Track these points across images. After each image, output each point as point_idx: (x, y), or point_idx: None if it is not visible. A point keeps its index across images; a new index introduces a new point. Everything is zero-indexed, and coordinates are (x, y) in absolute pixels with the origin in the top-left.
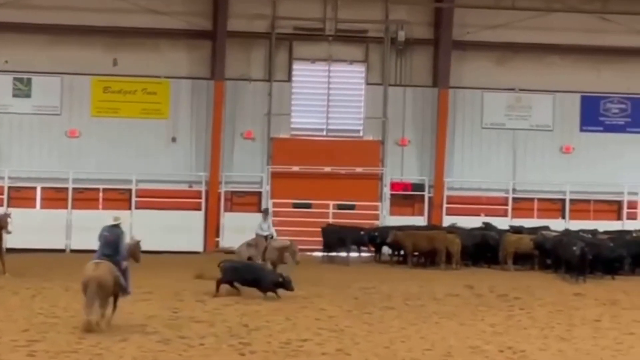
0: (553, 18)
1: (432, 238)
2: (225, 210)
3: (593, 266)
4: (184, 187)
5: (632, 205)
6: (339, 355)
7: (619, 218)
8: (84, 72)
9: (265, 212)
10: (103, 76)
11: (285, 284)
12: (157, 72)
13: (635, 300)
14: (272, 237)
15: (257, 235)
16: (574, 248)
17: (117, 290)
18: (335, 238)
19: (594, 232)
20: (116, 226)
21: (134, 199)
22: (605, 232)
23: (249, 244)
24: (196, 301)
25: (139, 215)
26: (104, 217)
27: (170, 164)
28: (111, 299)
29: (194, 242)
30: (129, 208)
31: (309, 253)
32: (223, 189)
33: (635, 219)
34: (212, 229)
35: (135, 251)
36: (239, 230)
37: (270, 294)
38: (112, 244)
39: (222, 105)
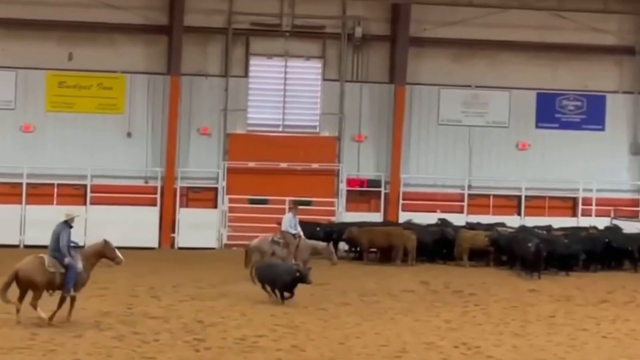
0: (509, 15)
1: (388, 234)
2: (181, 206)
3: (548, 263)
4: (140, 182)
5: (586, 201)
6: (294, 352)
7: (574, 215)
8: (38, 67)
9: (295, 208)
10: (58, 71)
11: (303, 277)
12: (113, 67)
13: (589, 297)
14: (300, 236)
15: (286, 233)
16: (529, 245)
17: (52, 285)
18: None
19: (548, 229)
20: (65, 222)
21: (89, 194)
22: (562, 229)
23: (274, 241)
24: (151, 297)
25: (94, 211)
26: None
27: (125, 159)
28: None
29: (149, 238)
30: (84, 204)
31: None
32: (179, 184)
33: (590, 215)
34: (167, 224)
35: (103, 252)
36: (194, 226)
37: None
38: (53, 240)
39: (178, 100)
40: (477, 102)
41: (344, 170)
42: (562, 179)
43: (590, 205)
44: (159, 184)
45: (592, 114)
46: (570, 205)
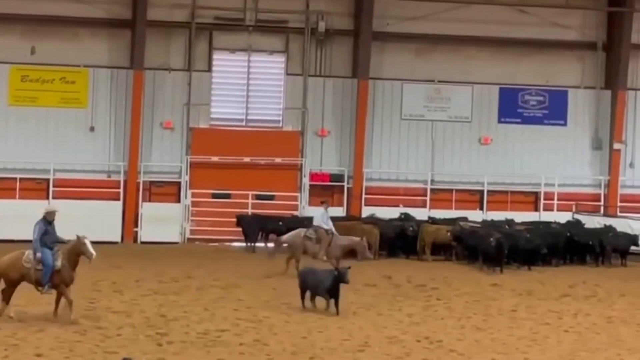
0: (472, 10)
1: (349, 229)
2: (144, 200)
3: (510, 257)
4: (103, 177)
5: (548, 196)
6: (257, 346)
7: (536, 209)
8: (1, 61)
9: (326, 204)
10: (21, 65)
11: (342, 276)
12: (76, 61)
13: (550, 291)
14: (332, 232)
15: (318, 228)
16: (490, 239)
17: (29, 280)
18: (253, 227)
19: (510, 223)
20: (43, 217)
21: (51, 188)
22: (524, 223)
23: (307, 237)
24: (113, 292)
25: (56, 205)
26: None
27: (88, 153)
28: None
29: (112, 232)
30: (47, 198)
31: (227, 244)
32: (142, 178)
33: (552, 210)
34: (130, 219)
35: (77, 248)
36: (157, 220)
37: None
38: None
39: (141, 94)
40: (440, 97)
41: (306, 165)
42: (524, 173)
43: (552, 199)
44: (121, 178)
45: (554, 109)
46: (532, 199)
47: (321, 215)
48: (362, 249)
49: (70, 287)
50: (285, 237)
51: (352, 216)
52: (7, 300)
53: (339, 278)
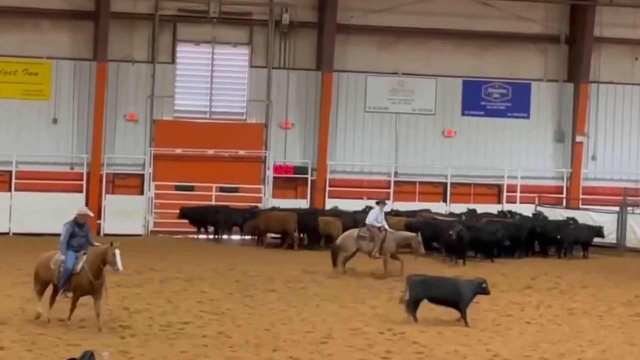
0: (436, 3)
1: (282, 219)
2: (107, 192)
3: (472, 249)
4: (65, 169)
5: (511, 188)
6: (220, 338)
7: (499, 201)
8: None
9: (383, 204)
10: None
11: (485, 289)
12: (39, 52)
13: (513, 283)
14: (385, 229)
15: (371, 226)
16: (450, 232)
17: (53, 283)
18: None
19: (472, 214)
20: (74, 219)
21: (14, 180)
22: (487, 214)
23: (360, 236)
24: None
25: (19, 198)
26: None
27: (51, 145)
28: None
29: None
30: (9, 190)
31: (191, 236)
32: (105, 171)
33: (514, 202)
34: (93, 211)
35: (104, 256)
36: (120, 212)
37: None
38: None
39: (105, 86)
40: (404, 90)
41: (270, 157)
42: (487, 166)
43: (515, 192)
44: (84, 170)
45: (517, 101)
46: (495, 192)
47: (375, 215)
48: (417, 244)
49: (101, 301)
50: (338, 240)
51: (315, 209)
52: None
53: (484, 291)
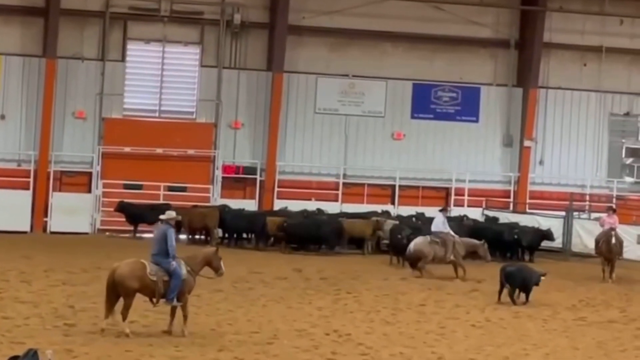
0: (388, 6)
1: (204, 215)
2: (54, 190)
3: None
4: (13, 165)
5: (459, 192)
6: (165, 337)
7: (447, 205)
8: None
9: (445, 211)
10: None
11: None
12: None
13: (459, 285)
14: (452, 235)
15: (439, 233)
16: (399, 236)
17: (147, 291)
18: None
19: (419, 217)
20: (166, 222)
21: None
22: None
23: (432, 241)
24: (21, 282)
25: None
26: None
27: None
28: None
29: (21, 221)
30: None
31: (138, 235)
32: (52, 168)
33: (462, 205)
34: (40, 208)
35: (210, 259)
36: (67, 210)
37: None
38: (157, 242)
39: (54, 83)
40: (354, 92)
41: (219, 157)
42: (435, 169)
43: (463, 195)
44: (32, 167)
45: (467, 105)
46: (443, 195)
47: (441, 221)
48: (484, 252)
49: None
50: (414, 247)
51: (265, 210)
52: (125, 317)
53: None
